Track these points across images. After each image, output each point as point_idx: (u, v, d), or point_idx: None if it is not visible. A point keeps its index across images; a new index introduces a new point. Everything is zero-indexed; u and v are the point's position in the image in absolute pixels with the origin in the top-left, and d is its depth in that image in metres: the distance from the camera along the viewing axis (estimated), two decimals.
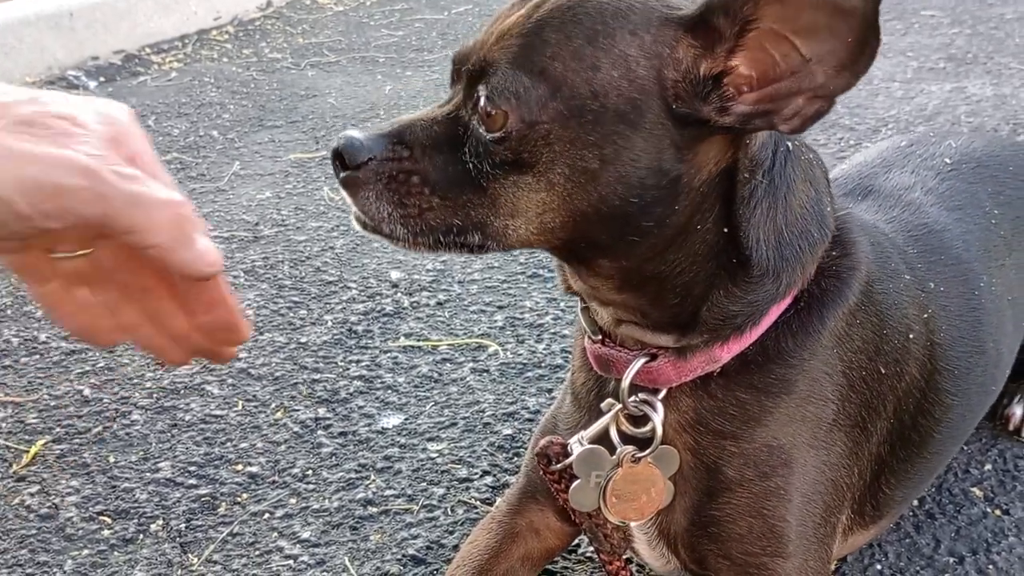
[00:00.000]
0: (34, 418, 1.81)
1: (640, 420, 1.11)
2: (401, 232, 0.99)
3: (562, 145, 0.93)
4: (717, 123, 0.94)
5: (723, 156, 0.98)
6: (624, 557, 1.21)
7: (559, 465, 1.14)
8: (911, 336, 1.21)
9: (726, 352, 1.07)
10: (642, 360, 1.07)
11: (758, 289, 1.03)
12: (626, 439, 1.12)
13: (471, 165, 0.97)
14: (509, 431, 1.71)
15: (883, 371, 1.17)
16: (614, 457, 1.12)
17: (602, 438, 1.13)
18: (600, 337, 1.12)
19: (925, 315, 1.24)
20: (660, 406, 1.09)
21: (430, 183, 0.98)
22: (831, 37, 0.87)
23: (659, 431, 1.09)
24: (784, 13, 0.88)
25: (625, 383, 1.08)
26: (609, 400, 1.13)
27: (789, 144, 1.04)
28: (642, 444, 1.11)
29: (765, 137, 1.01)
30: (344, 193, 1.01)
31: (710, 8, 0.91)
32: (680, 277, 1.02)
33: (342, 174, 0.99)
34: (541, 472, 1.17)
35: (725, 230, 1.01)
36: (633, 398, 1.10)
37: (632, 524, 1.16)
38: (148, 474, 1.64)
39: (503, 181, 0.96)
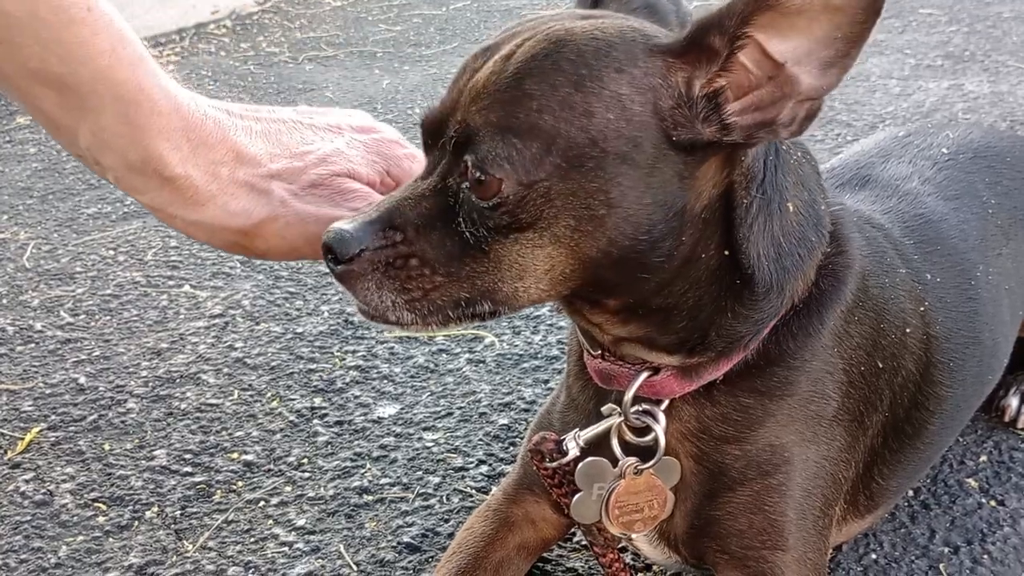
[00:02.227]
0: (29, 406, 1.81)
1: (642, 430, 1.10)
2: (409, 317, 0.95)
3: (564, 198, 0.89)
4: (723, 142, 0.92)
5: (720, 178, 0.96)
6: (618, 547, 1.21)
7: (553, 463, 1.13)
8: (908, 331, 1.20)
9: (729, 362, 1.06)
10: (645, 375, 1.06)
11: (764, 306, 1.02)
12: (627, 449, 1.11)
13: (468, 234, 0.92)
14: (505, 421, 1.71)
15: (881, 366, 1.17)
16: (616, 469, 1.11)
17: (601, 445, 1.12)
18: (600, 352, 1.10)
19: (921, 308, 1.24)
20: (662, 416, 1.09)
21: (430, 262, 0.94)
22: (811, 38, 0.85)
23: (662, 442, 1.08)
24: (772, 20, 0.85)
25: (628, 396, 1.07)
26: (610, 406, 1.12)
27: (777, 148, 1.02)
28: (643, 454, 1.10)
29: (755, 149, 0.98)
30: (342, 287, 0.97)
31: (703, 29, 0.89)
32: (685, 305, 1.00)
33: (337, 268, 0.95)
34: (535, 468, 1.16)
35: (726, 252, 0.99)
36: (635, 408, 1.09)
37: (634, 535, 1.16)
38: (143, 462, 1.64)
39: (505, 244, 0.92)
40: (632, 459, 1.10)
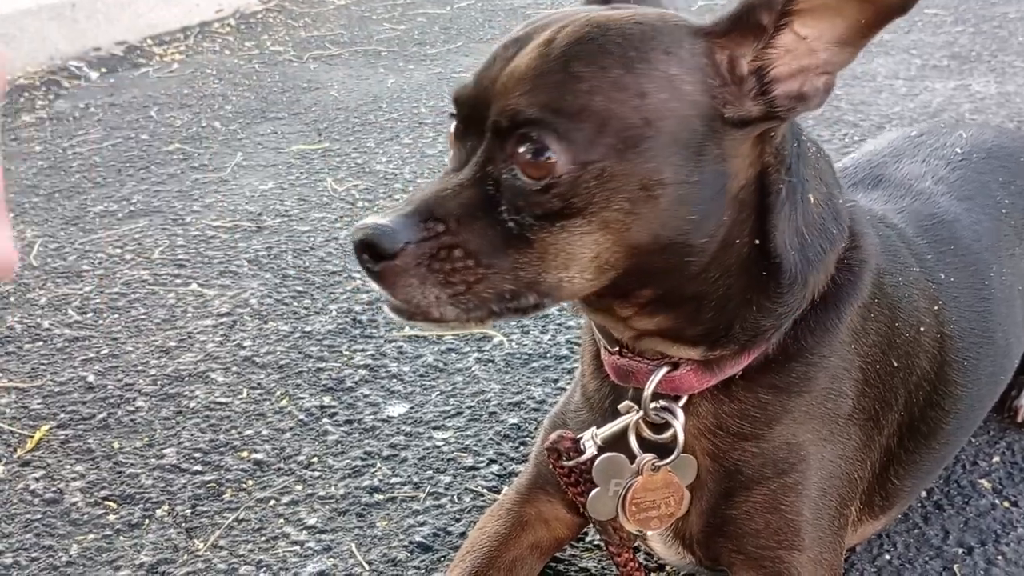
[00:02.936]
0: (38, 404, 1.80)
1: (660, 427, 1.10)
2: (452, 312, 0.91)
3: (618, 180, 0.89)
4: (770, 115, 0.93)
5: (754, 157, 0.97)
6: (632, 546, 1.20)
7: (571, 462, 1.13)
8: (922, 329, 1.20)
9: (749, 356, 1.06)
10: (664, 370, 1.06)
11: (788, 299, 1.03)
12: (644, 446, 1.11)
13: (512, 223, 0.91)
14: (515, 420, 1.71)
15: (895, 364, 1.17)
16: (634, 465, 1.10)
17: (618, 442, 1.12)
18: (617, 348, 1.09)
19: (935, 307, 1.23)
20: (681, 413, 1.08)
21: (473, 253, 0.90)
22: (838, 17, 0.89)
23: (680, 438, 1.08)
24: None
25: (647, 392, 1.07)
26: (627, 403, 1.11)
27: (798, 139, 1.04)
28: (659, 451, 1.10)
29: (783, 133, 1.00)
30: (378, 286, 0.92)
31: (750, 7, 0.91)
32: (715, 294, 1.00)
33: (377, 266, 0.90)
34: (551, 467, 1.16)
35: (757, 241, 0.99)
36: (653, 405, 1.08)
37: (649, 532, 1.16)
38: (153, 460, 1.63)
39: (552, 232, 0.90)
40: (650, 456, 1.10)
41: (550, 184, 0.89)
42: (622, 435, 1.11)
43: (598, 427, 1.13)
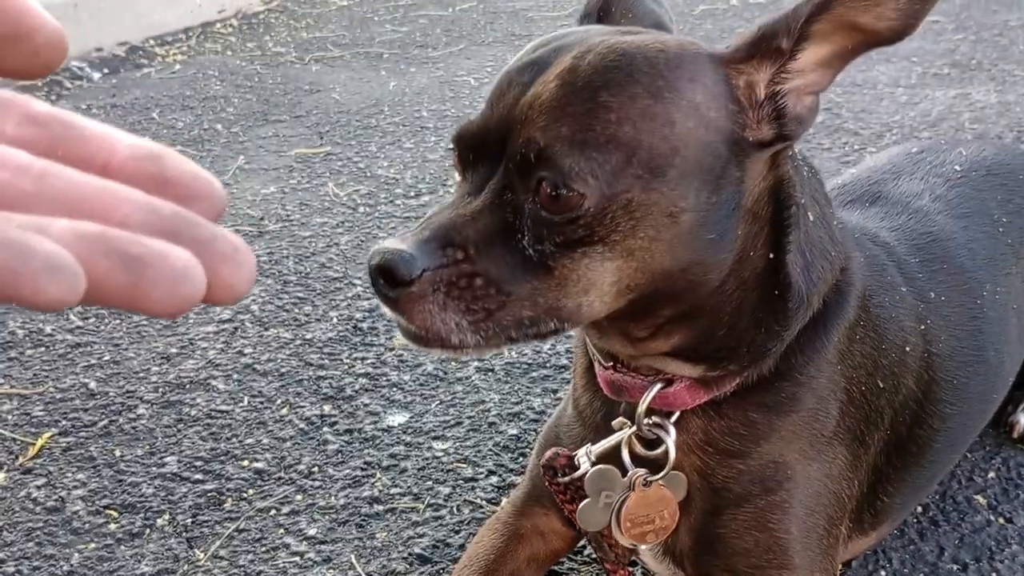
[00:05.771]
0: (40, 410, 1.81)
1: (652, 443, 1.10)
2: (473, 339, 0.90)
3: (644, 209, 0.89)
4: (783, 136, 0.95)
5: (766, 172, 0.99)
6: (627, 563, 1.21)
7: (565, 478, 1.14)
8: (907, 349, 1.21)
9: (744, 375, 1.07)
10: (658, 386, 1.06)
11: (792, 321, 1.04)
12: (636, 461, 1.11)
13: (532, 252, 0.90)
14: (514, 431, 1.72)
15: (881, 385, 1.18)
16: (625, 480, 1.11)
17: (611, 456, 1.13)
18: (611, 364, 1.10)
19: (922, 327, 1.24)
20: (673, 429, 1.09)
21: (494, 281, 0.90)
22: (828, 43, 0.93)
23: (672, 454, 1.09)
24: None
25: (642, 408, 1.07)
26: (621, 419, 1.12)
27: (794, 159, 1.04)
28: (649, 466, 1.11)
29: (791, 152, 1.02)
30: (392, 312, 0.91)
31: (773, 32, 0.92)
32: (731, 308, 1.00)
33: (393, 292, 0.89)
34: (546, 484, 1.17)
35: (771, 255, 1.01)
36: (646, 421, 1.09)
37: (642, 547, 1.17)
38: (154, 468, 1.64)
39: (573, 259, 0.90)
40: (642, 471, 1.11)
41: (575, 217, 0.89)
42: (615, 450, 1.12)
43: (590, 442, 1.14)
